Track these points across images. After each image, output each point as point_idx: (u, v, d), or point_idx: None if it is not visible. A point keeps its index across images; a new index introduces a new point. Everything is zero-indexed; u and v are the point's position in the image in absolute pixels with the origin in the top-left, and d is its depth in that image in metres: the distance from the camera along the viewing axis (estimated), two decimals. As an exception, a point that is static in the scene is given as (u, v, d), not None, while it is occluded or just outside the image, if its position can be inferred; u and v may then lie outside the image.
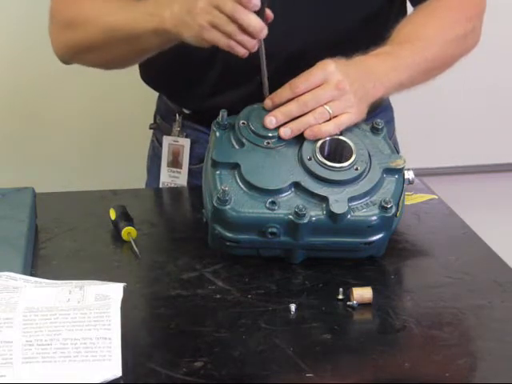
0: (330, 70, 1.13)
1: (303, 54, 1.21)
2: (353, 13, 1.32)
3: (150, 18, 1.18)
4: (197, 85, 1.38)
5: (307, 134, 1.11)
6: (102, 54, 1.31)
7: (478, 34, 1.36)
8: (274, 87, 1.16)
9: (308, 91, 1.12)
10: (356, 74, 1.15)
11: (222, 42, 1.11)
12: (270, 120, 1.12)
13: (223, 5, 1.09)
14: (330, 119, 1.12)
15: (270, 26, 1.12)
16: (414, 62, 1.23)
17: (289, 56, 1.28)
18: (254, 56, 1.16)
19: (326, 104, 1.12)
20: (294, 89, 1.12)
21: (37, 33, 1.94)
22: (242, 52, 1.12)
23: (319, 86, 1.12)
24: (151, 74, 1.46)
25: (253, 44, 1.11)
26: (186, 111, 1.45)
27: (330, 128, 1.12)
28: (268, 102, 1.15)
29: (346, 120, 1.13)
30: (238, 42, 1.10)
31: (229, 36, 1.10)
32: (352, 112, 1.13)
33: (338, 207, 1.09)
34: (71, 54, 1.36)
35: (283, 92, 1.13)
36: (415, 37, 1.26)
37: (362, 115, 1.15)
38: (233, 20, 1.09)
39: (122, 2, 1.25)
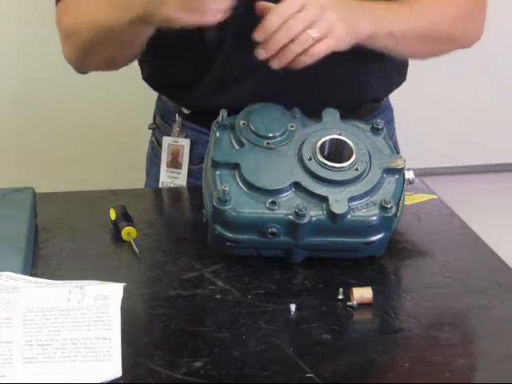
0: None
1: None
2: None
3: (124, 12, 1.21)
4: (197, 83, 1.38)
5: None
6: (102, 54, 1.32)
7: (477, 27, 1.38)
8: None
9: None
10: (347, 8, 1.18)
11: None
12: (261, 53, 1.14)
13: None
14: (314, 44, 1.13)
15: None
16: (408, 21, 1.27)
17: None
18: (254, 54, 1.16)
19: (309, 27, 1.12)
20: (282, 15, 1.13)
21: (38, 34, 1.95)
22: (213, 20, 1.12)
23: (303, 8, 1.13)
24: (152, 73, 1.46)
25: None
26: (186, 111, 1.45)
27: (306, 60, 1.14)
28: (260, 35, 1.14)
29: (323, 49, 1.14)
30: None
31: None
32: (331, 38, 1.14)
33: (338, 207, 1.09)
34: (80, 60, 1.38)
35: (273, 20, 1.13)
36: (415, 1, 1.29)
37: (343, 43, 1.17)
38: None
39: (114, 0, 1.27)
